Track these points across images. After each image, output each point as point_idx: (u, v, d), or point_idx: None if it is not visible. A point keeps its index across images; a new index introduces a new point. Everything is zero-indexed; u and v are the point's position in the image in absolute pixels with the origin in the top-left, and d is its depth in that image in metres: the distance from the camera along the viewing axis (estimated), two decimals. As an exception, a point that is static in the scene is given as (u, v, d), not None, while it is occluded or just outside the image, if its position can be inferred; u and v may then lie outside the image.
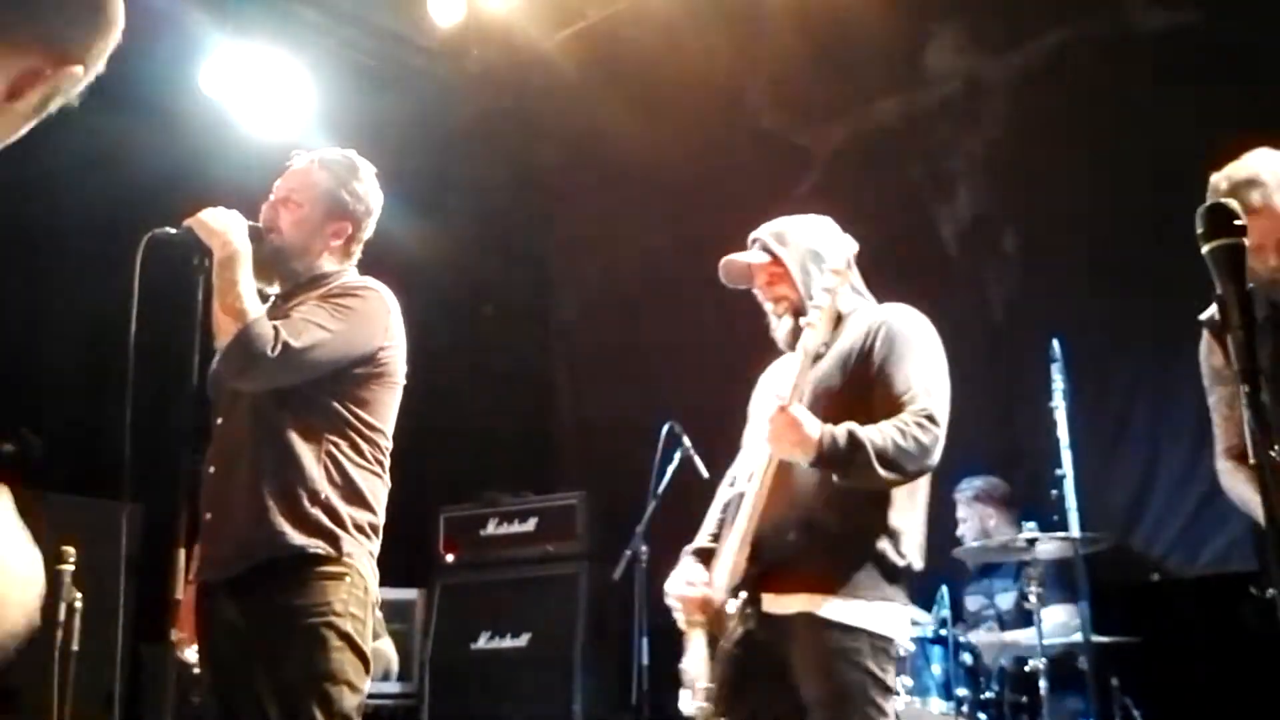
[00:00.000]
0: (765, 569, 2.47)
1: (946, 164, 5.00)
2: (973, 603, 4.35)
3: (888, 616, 2.43)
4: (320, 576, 2.41)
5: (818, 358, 2.56)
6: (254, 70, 5.28)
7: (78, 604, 3.50)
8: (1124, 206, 4.52)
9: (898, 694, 2.47)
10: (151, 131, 4.95)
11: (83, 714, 3.59)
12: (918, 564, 2.51)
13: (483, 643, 5.23)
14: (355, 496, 2.50)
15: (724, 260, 2.73)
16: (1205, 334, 2.70)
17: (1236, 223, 1.40)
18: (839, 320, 2.59)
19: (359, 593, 2.44)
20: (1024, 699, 3.82)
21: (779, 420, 2.40)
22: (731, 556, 2.50)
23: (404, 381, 2.64)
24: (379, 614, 5.30)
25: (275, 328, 2.42)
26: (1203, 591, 4.17)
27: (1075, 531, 3.56)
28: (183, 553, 2.33)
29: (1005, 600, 4.25)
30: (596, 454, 5.99)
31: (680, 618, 2.68)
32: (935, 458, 2.42)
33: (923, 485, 2.54)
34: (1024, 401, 3.95)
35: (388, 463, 2.60)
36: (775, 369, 2.76)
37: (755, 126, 5.46)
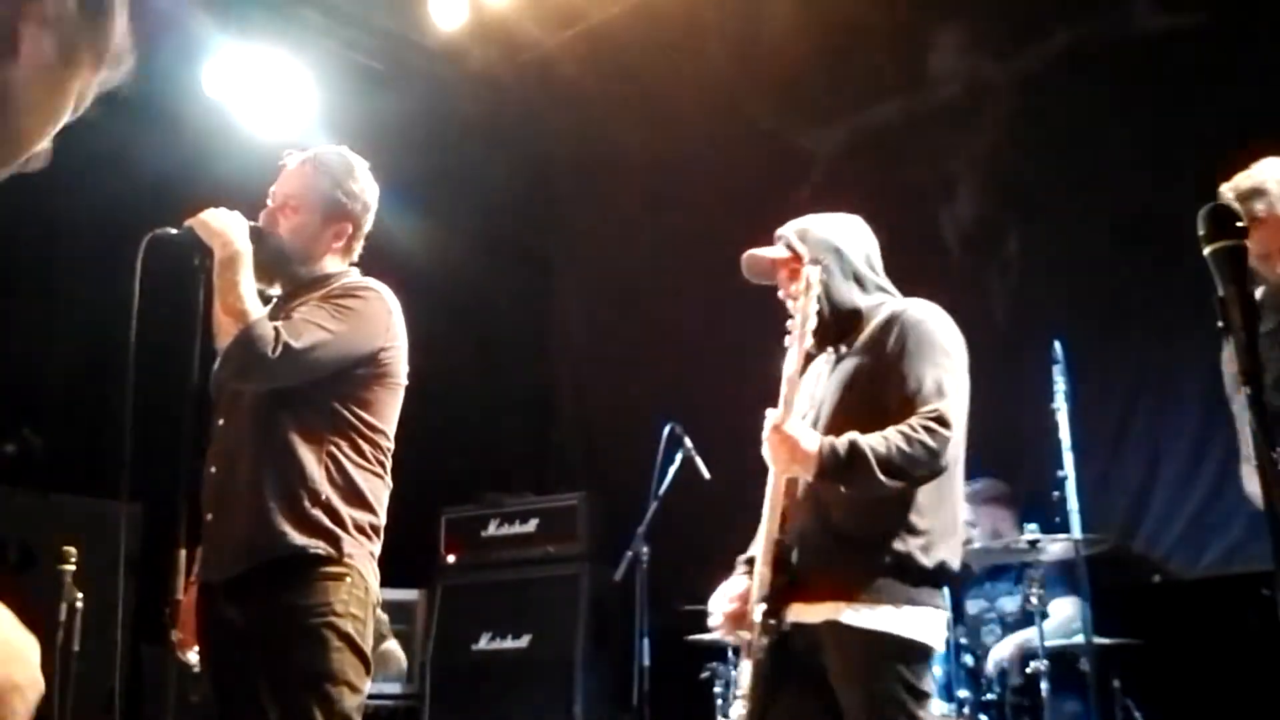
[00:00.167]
0: (794, 578, 2.47)
1: (948, 166, 5.00)
2: (973, 606, 4.34)
3: (916, 621, 2.40)
4: (321, 577, 2.41)
5: (840, 358, 2.59)
6: (256, 71, 5.28)
7: (78, 604, 3.50)
8: (1126, 209, 4.52)
9: (931, 695, 2.43)
10: (153, 132, 4.95)
11: (83, 714, 3.59)
12: (952, 563, 2.46)
13: (484, 644, 5.23)
14: (356, 497, 2.50)
15: (746, 255, 2.73)
16: (1227, 341, 2.68)
17: (1238, 225, 1.40)
18: (860, 318, 2.59)
19: (359, 593, 2.44)
20: (1025, 701, 3.81)
21: (773, 440, 2.43)
22: (758, 568, 2.51)
23: (406, 382, 2.64)
24: (384, 615, 5.34)
25: (276, 328, 2.42)
26: (1204, 593, 4.17)
27: (1077, 533, 3.56)
28: (183, 553, 2.33)
29: (1009, 603, 4.24)
30: (598, 455, 5.99)
31: (721, 632, 2.67)
32: (945, 460, 2.39)
33: (954, 482, 2.50)
34: (1025, 403, 3.95)
35: (389, 463, 2.60)
36: (812, 369, 2.73)
37: (757, 127, 5.46)
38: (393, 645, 5.39)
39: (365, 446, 2.53)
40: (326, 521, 2.44)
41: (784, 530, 2.50)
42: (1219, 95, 4.31)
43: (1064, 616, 3.96)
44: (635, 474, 4.51)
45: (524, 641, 5.16)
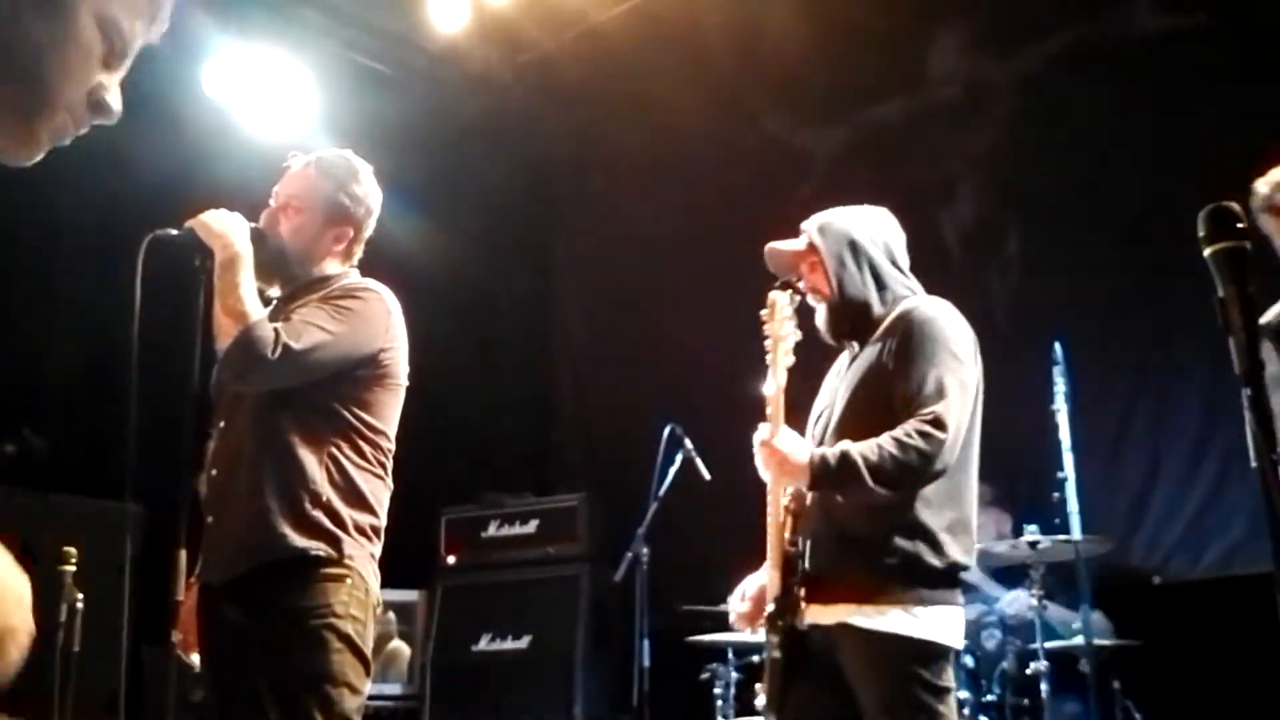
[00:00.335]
0: (808, 580, 2.49)
1: (949, 166, 5.00)
2: (970, 610, 4.32)
3: (929, 622, 2.39)
4: (321, 578, 2.41)
5: (856, 356, 2.61)
6: (256, 72, 5.29)
7: (79, 605, 3.50)
8: (1126, 209, 4.52)
9: (951, 690, 2.42)
10: (154, 133, 4.94)
11: (84, 715, 3.59)
12: (964, 561, 2.45)
13: (484, 644, 5.23)
14: (357, 498, 2.50)
15: (767, 247, 2.74)
16: (1265, 341, 2.67)
17: (1238, 225, 1.40)
18: (872, 313, 2.60)
19: (360, 594, 2.44)
20: (1025, 701, 3.82)
21: (763, 455, 2.46)
22: (769, 571, 2.54)
23: (406, 383, 2.64)
24: (391, 615, 5.33)
25: (276, 330, 2.42)
26: (1204, 595, 4.17)
27: (1077, 534, 3.56)
28: (184, 554, 2.33)
29: (1012, 605, 4.23)
30: (598, 456, 5.99)
31: (737, 628, 2.73)
32: (942, 463, 2.38)
33: (965, 479, 2.50)
34: (1025, 404, 3.95)
35: (390, 464, 2.60)
36: (835, 364, 2.75)
37: (757, 127, 5.46)
38: (400, 645, 5.40)
39: (366, 448, 2.53)
40: (327, 523, 2.44)
41: (794, 533, 2.52)
42: (1219, 95, 4.31)
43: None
44: (635, 475, 4.51)
45: (524, 642, 5.16)
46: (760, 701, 2.55)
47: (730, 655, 4.23)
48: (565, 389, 6.42)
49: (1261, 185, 2.55)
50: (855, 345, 2.67)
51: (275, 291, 2.66)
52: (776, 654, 2.49)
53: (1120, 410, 4.47)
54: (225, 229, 2.49)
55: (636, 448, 4.64)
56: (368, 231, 2.73)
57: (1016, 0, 4.98)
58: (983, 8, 5.04)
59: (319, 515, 2.43)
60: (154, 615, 2.38)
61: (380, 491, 2.56)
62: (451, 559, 5.51)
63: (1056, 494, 3.60)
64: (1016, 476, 4.39)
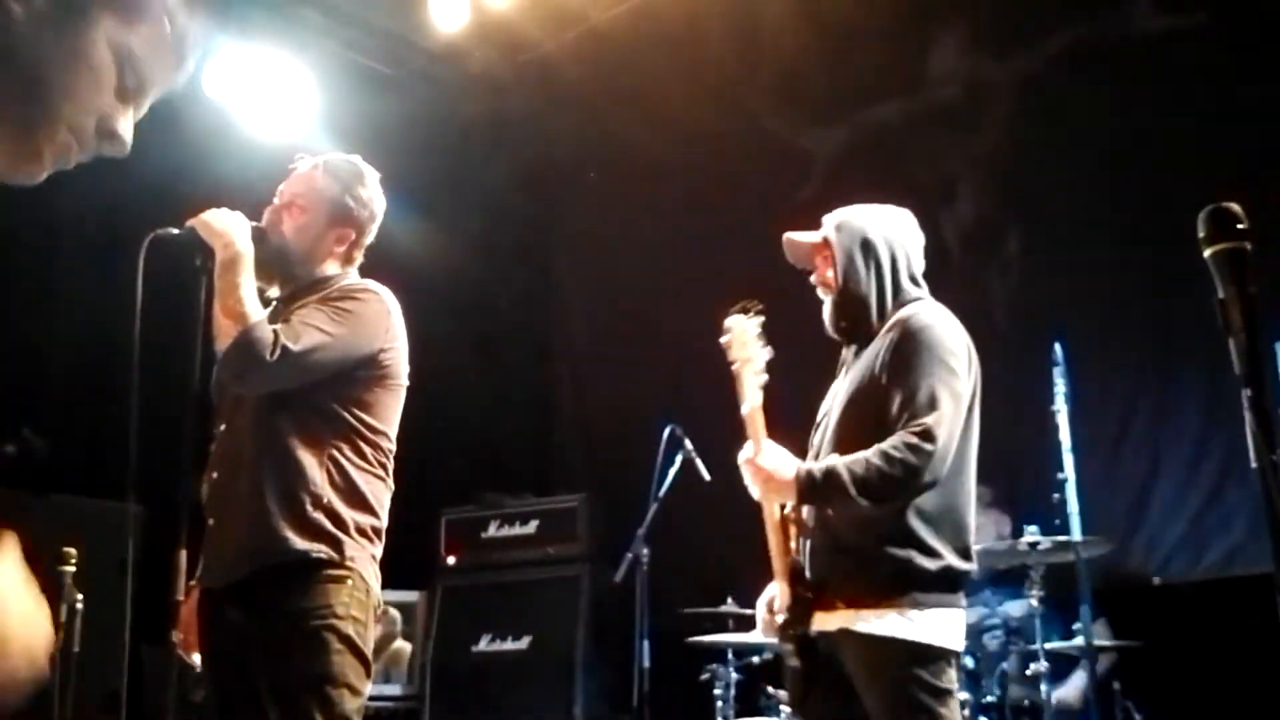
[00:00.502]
0: (813, 589, 2.53)
1: (949, 166, 5.00)
2: (972, 613, 4.31)
3: (926, 625, 2.41)
4: (322, 580, 2.41)
5: (855, 359, 2.64)
6: (257, 72, 5.29)
7: (79, 605, 3.50)
8: (1126, 210, 4.52)
9: (952, 691, 2.44)
10: (154, 132, 4.92)
11: (84, 715, 3.59)
12: (959, 564, 2.46)
13: (484, 645, 5.23)
14: (358, 500, 2.50)
15: (785, 237, 2.77)
16: None
17: (1239, 226, 1.40)
18: (869, 311, 2.62)
19: (360, 595, 2.44)
20: (1026, 702, 3.81)
21: (749, 473, 2.51)
22: (778, 583, 2.59)
23: (407, 383, 2.64)
24: (396, 614, 5.33)
25: (275, 331, 2.42)
26: (1204, 595, 4.16)
27: (1077, 535, 3.55)
28: (184, 554, 2.33)
29: (1014, 608, 4.22)
30: (598, 456, 5.99)
31: (768, 638, 2.81)
32: (931, 474, 2.39)
33: (960, 485, 2.50)
34: (1025, 405, 3.95)
35: (391, 465, 2.60)
36: (840, 364, 2.77)
37: (757, 128, 5.46)
38: (405, 645, 5.40)
39: (366, 449, 2.53)
40: (328, 525, 2.44)
41: (797, 542, 2.57)
42: (1219, 95, 4.31)
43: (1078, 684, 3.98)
44: (636, 475, 4.51)
45: (524, 643, 5.16)
46: (785, 710, 2.62)
47: (730, 656, 4.23)
48: (565, 389, 6.42)
49: None
50: (855, 347, 2.68)
51: (275, 292, 2.66)
52: (794, 662, 2.54)
53: (1120, 411, 4.47)
54: (226, 228, 2.49)
55: (637, 448, 4.64)
56: (369, 236, 2.73)
57: (1016, 2, 4.98)
58: (983, 8, 5.04)
59: (320, 517, 2.43)
60: (154, 616, 2.38)
61: (381, 492, 2.56)
62: (451, 559, 5.51)
63: (1056, 495, 3.59)
64: (1016, 477, 4.39)
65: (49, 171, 1.08)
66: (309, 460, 2.46)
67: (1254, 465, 1.34)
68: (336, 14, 5.66)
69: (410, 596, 5.46)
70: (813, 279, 2.73)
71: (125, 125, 1.08)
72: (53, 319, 5.24)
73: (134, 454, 2.35)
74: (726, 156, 5.56)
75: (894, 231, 2.70)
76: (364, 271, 2.73)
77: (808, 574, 2.53)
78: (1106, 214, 4.58)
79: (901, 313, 2.59)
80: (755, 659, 4.27)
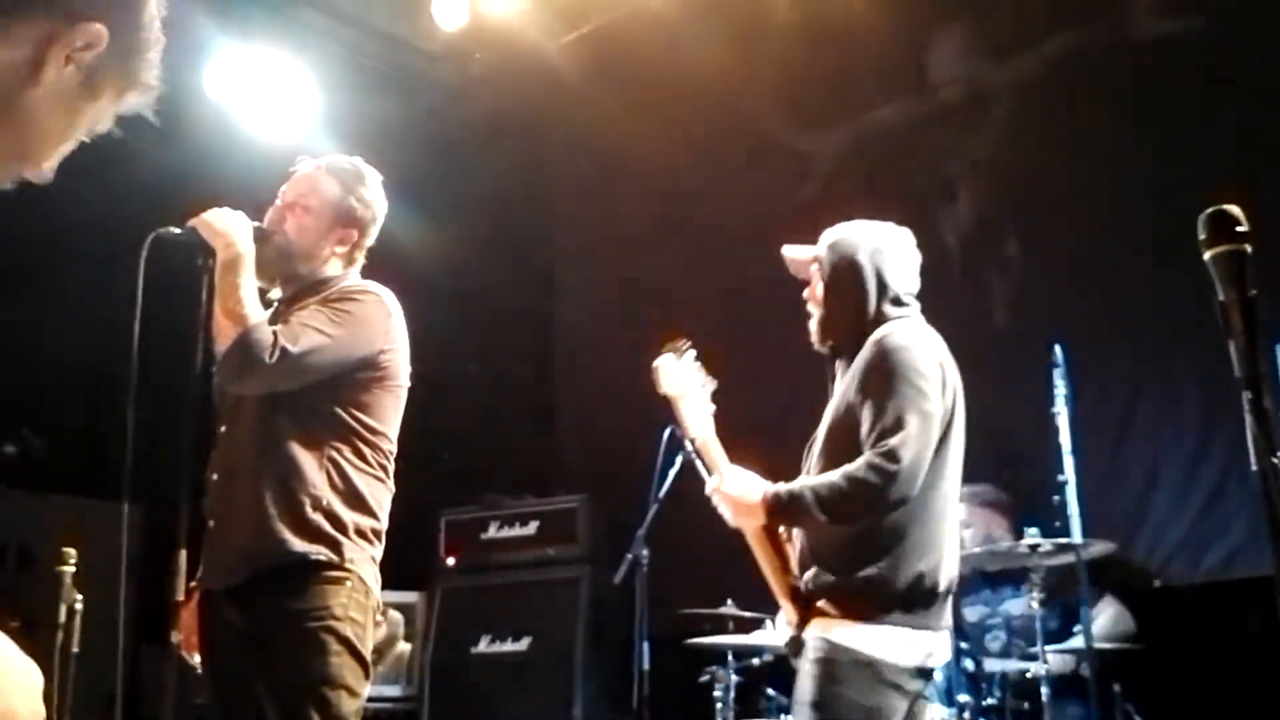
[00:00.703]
0: (802, 603, 2.60)
1: (948, 169, 5.00)
2: (972, 613, 4.32)
3: (877, 639, 2.45)
4: (321, 581, 2.41)
5: (841, 375, 2.68)
6: (257, 73, 5.29)
7: (78, 606, 3.50)
8: (1126, 212, 4.52)
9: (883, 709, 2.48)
10: (155, 133, 4.93)
11: (82, 716, 3.59)
12: (928, 583, 2.50)
13: (483, 646, 5.23)
14: (357, 501, 2.50)
15: (784, 250, 2.83)
16: None
17: (1238, 228, 1.40)
18: (857, 340, 2.65)
19: (359, 597, 2.44)
20: (1026, 705, 3.81)
21: (718, 501, 2.60)
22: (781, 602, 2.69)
23: (407, 384, 2.64)
24: (399, 616, 5.32)
25: (274, 333, 2.42)
26: (1205, 598, 4.16)
27: (1077, 537, 3.55)
28: (184, 555, 2.33)
29: (1014, 606, 4.22)
30: (598, 457, 5.98)
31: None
32: (898, 493, 2.44)
33: (929, 503, 2.54)
34: (1026, 407, 3.95)
35: (391, 467, 2.60)
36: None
37: (757, 131, 5.47)
38: (408, 647, 5.40)
39: (366, 450, 2.53)
40: (327, 527, 2.44)
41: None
42: (1217, 99, 4.31)
43: (1109, 616, 3.97)
44: (635, 477, 4.51)
45: (523, 644, 5.16)
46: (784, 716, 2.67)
47: (730, 658, 4.22)
48: (565, 391, 6.41)
49: None
50: (840, 365, 2.73)
51: (276, 293, 2.66)
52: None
53: (1120, 413, 4.47)
54: (228, 228, 2.50)
55: (637, 450, 4.64)
56: (371, 238, 2.73)
57: (1016, 4, 4.99)
58: (982, 12, 5.05)
59: (319, 519, 2.43)
60: (154, 616, 2.38)
61: (381, 494, 2.56)
62: (451, 560, 5.51)
63: (1057, 497, 3.60)
64: (1016, 479, 4.39)
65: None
66: (308, 462, 2.46)
67: (1254, 468, 1.34)
68: (337, 15, 5.67)
69: (409, 597, 5.45)
70: (805, 294, 2.78)
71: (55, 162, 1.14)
72: (53, 319, 5.25)
73: (130, 454, 2.35)
74: (726, 159, 5.56)
75: (883, 252, 2.72)
76: (365, 273, 2.74)
77: (801, 588, 2.60)
78: (1106, 216, 4.58)
79: (877, 333, 2.63)
80: (755, 661, 4.27)
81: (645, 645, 4.23)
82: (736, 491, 2.58)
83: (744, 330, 4.76)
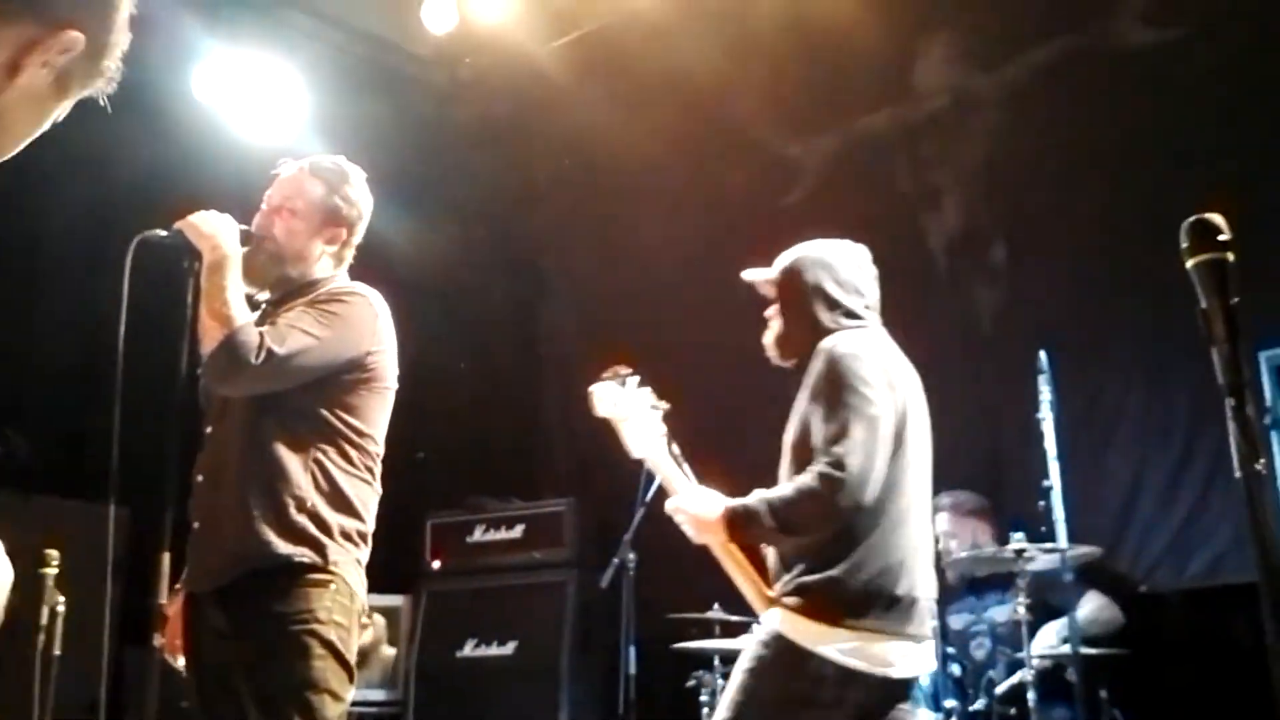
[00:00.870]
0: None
1: (936, 176, 5.02)
2: (958, 620, 4.32)
3: (829, 638, 2.47)
4: (305, 584, 2.40)
5: (801, 389, 2.71)
6: (246, 75, 5.28)
7: (60, 608, 3.48)
8: (1112, 220, 4.55)
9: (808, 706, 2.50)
10: (143, 135, 4.93)
11: (64, 718, 3.57)
12: (886, 588, 2.52)
13: (469, 650, 5.22)
14: (343, 504, 2.49)
15: (744, 273, 2.88)
16: None
17: (1220, 237, 1.41)
18: (808, 354, 2.69)
19: (344, 600, 2.43)
20: (1012, 710, 3.82)
21: (679, 520, 2.67)
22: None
23: (395, 386, 2.63)
24: (381, 620, 5.29)
25: (260, 334, 2.41)
26: (1190, 603, 4.18)
27: (1063, 543, 3.57)
28: (168, 557, 2.32)
29: (999, 613, 4.23)
30: (585, 461, 5.97)
31: None
32: (849, 500, 2.46)
33: (889, 510, 2.55)
34: (1011, 413, 3.96)
35: (378, 469, 2.59)
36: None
37: (746, 137, 5.48)
38: (392, 651, 5.38)
39: (353, 452, 2.52)
40: (312, 529, 2.42)
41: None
42: (1203, 107, 4.34)
43: (1093, 606, 3.98)
44: (622, 480, 4.50)
45: (509, 648, 5.14)
46: None
47: (716, 662, 4.22)
48: (553, 393, 6.41)
49: None
50: (801, 378, 2.76)
51: (264, 295, 2.65)
52: None
53: (1106, 420, 4.49)
54: (214, 230, 2.49)
55: (623, 454, 4.64)
56: (358, 235, 2.73)
57: (1003, 12, 5.01)
58: (970, 20, 5.07)
59: (303, 521, 2.42)
60: (137, 619, 2.37)
61: (367, 496, 2.55)
62: (436, 564, 5.50)
63: (1042, 503, 3.61)
64: (1002, 485, 4.40)
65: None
66: (293, 463, 2.45)
67: (1238, 474, 1.35)
68: (326, 17, 5.66)
69: (395, 600, 5.44)
70: (766, 313, 2.84)
71: None
72: (39, 320, 5.22)
73: (116, 456, 2.34)
74: (715, 164, 5.57)
75: (832, 268, 2.77)
76: (352, 274, 2.73)
77: (774, 597, 2.62)
78: (1093, 224, 4.61)
79: (824, 343, 2.66)
80: (741, 666, 4.26)
81: (632, 649, 4.23)
82: (695, 509, 2.63)
83: (732, 334, 4.77)
